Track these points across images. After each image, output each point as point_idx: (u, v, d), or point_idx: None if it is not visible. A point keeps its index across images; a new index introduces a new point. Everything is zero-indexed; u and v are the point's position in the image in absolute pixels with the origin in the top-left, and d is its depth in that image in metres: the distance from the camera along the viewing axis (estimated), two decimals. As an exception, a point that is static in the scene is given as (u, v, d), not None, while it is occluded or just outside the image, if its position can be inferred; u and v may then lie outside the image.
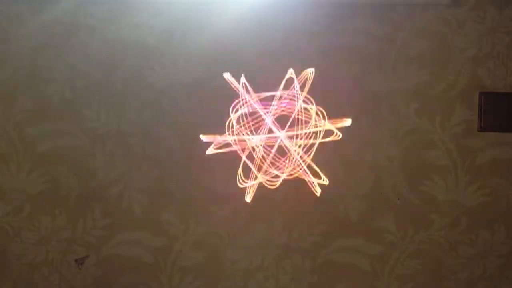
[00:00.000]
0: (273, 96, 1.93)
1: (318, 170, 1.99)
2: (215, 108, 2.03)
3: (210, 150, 1.93)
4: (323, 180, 1.92)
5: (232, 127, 1.89)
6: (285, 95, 1.91)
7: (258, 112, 1.96)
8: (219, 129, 1.87)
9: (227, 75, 1.84)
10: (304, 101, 1.87)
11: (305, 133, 1.99)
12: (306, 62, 2.04)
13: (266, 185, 1.89)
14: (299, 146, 1.92)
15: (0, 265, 2.10)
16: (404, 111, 2.04)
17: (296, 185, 1.89)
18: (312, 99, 1.85)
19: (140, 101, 2.07)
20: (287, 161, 1.94)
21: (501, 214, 2.05)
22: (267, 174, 1.96)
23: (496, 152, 2.04)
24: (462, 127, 2.04)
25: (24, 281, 2.11)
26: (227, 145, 1.93)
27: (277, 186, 1.97)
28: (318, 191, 1.92)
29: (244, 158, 1.90)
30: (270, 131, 1.95)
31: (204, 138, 1.91)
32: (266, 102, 1.96)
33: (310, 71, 1.85)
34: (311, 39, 2.04)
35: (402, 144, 2.04)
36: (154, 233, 2.09)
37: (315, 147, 2.01)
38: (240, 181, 1.91)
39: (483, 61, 2.03)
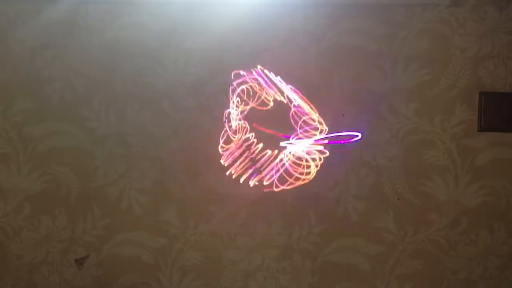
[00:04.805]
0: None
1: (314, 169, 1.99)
2: (215, 108, 2.03)
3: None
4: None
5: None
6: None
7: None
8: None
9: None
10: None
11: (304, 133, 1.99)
12: (306, 62, 2.05)
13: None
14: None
15: (0, 265, 2.10)
16: (404, 111, 2.04)
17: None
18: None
19: (140, 101, 2.07)
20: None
21: (501, 214, 2.05)
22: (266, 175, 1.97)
23: (496, 152, 2.03)
24: (462, 127, 2.04)
25: (24, 281, 2.11)
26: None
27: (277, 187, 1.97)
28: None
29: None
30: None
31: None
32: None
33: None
34: (311, 39, 2.04)
35: (402, 144, 2.04)
36: (154, 233, 2.09)
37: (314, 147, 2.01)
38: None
39: (483, 61, 2.03)
